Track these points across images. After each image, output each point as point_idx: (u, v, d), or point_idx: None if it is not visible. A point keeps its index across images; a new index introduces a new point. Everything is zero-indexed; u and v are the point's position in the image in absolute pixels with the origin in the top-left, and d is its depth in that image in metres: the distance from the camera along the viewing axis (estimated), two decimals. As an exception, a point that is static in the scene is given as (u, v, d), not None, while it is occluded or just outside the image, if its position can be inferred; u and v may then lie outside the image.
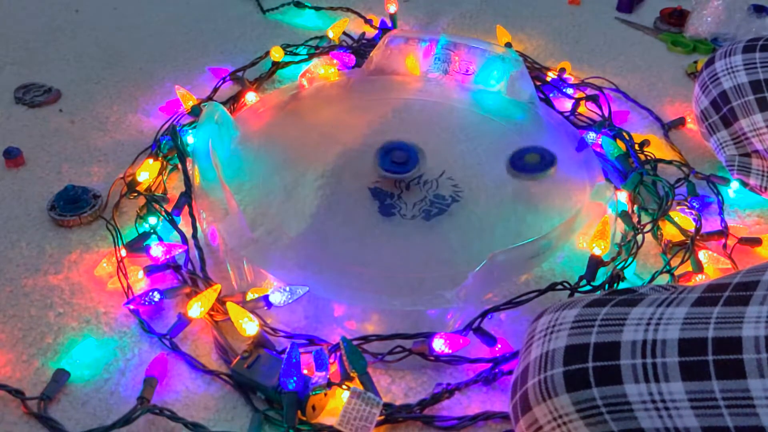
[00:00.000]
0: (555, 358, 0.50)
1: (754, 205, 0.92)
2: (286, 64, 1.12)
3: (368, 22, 1.25)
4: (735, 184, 0.92)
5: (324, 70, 1.05)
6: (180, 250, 0.79)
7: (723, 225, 0.87)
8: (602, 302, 0.52)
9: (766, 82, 0.83)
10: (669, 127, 1.05)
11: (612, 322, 0.49)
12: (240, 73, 1.09)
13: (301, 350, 0.68)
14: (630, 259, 0.79)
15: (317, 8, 1.29)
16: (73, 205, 0.85)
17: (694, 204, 0.88)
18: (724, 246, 0.84)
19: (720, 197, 0.91)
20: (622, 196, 0.86)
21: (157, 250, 0.78)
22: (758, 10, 1.25)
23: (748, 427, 0.43)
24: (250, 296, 0.73)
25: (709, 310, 0.46)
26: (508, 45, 1.18)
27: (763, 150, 0.87)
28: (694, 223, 0.86)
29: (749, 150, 0.88)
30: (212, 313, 0.73)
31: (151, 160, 0.91)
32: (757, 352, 0.43)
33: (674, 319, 0.47)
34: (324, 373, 0.66)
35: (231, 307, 0.72)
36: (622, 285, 0.77)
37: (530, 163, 0.88)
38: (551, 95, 1.08)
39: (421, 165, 0.88)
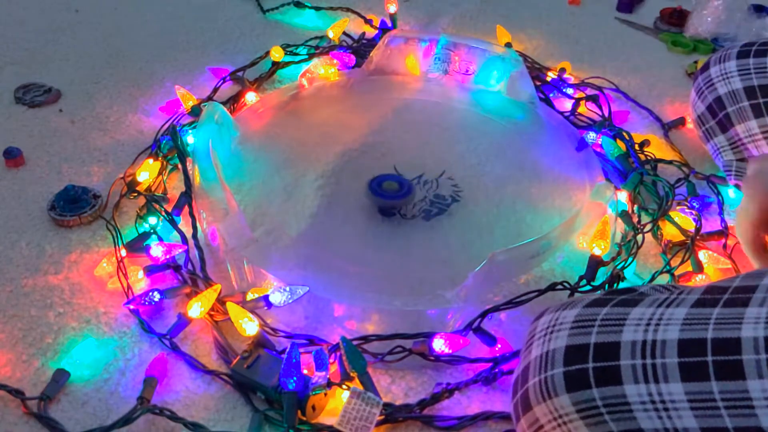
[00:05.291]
0: (555, 358, 0.50)
1: (754, 205, 0.92)
2: (286, 64, 1.12)
3: (368, 22, 1.25)
4: (735, 186, 0.92)
5: (324, 70, 1.04)
6: (180, 250, 0.79)
7: (723, 225, 0.87)
8: (602, 302, 0.52)
9: (761, 89, 0.82)
10: (669, 127, 1.05)
11: (612, 322, 0.49)
12: (240, 73, 1.09)
13: (301, 350, 0.68)
14: (630, 259, 0.79)
15: (317, 8, 1.29)
16: (73, 205, 0.85)
17: (694, 204, 0.88)
18: (724, 246, 0.84)
19: (720, 197, 0.91)
20: (622, 196, 0.86)
21: (157, 250, 0.78)
22: (758, 10, 1.25)
23: (747, 427, 0.43)
24: (250, 296, 0.73)
25: (709, 311, 0.46)
26: (508, 45, 1.18)
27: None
28: (694, 223, 0.86)
29: (746, 155, 0.88)
30: (212, 313, 0.73)
31: (151, 160, 0.91)
32: (756, 353, 0.43)
33: (674, 319, 0.47)
34: (324, 373, 0.66)
35: (231, 307, 0.72)
36: (622, 285, 0.76)
37: (389, 191, 0.85)
38: (551, 95, 1.08)
39: (413, 195, 0.86)
